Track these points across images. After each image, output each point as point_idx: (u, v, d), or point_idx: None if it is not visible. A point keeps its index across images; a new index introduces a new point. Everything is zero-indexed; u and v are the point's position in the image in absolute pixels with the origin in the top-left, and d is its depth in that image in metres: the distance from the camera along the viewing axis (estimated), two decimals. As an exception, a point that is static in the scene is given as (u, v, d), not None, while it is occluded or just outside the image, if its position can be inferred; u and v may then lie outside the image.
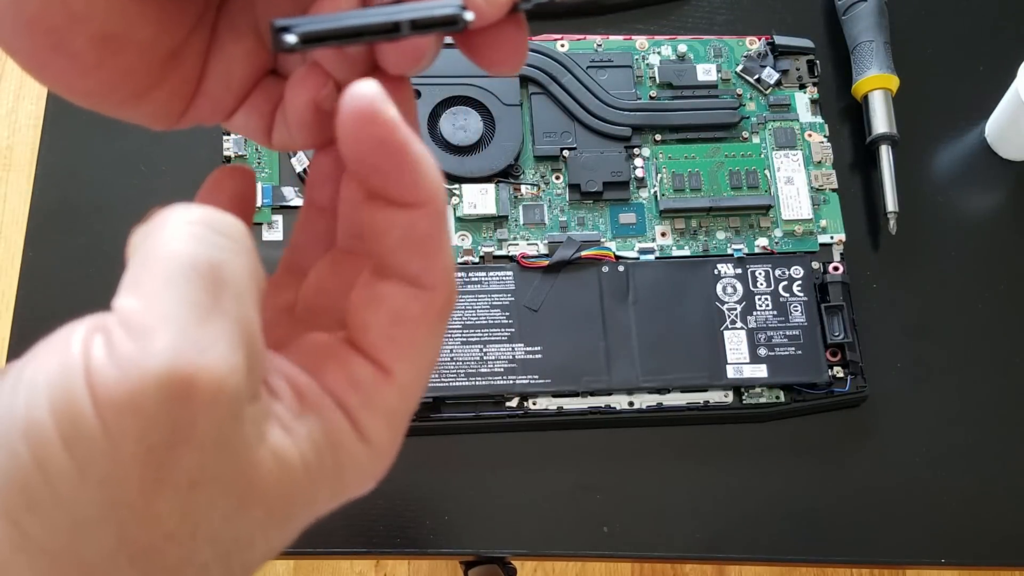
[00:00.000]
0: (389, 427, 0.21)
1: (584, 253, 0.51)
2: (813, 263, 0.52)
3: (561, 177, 0.54)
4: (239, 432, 0.18)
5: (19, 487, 0.17)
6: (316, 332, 0.22)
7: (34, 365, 0.18)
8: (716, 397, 0.50)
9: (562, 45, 0.56)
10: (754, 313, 0.51)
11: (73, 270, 0.52)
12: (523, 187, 0.53)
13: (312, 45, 0.21)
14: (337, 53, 0.22)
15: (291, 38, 0.21)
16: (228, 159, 0.52)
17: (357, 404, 0.21)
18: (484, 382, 0.49)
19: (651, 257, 0.52)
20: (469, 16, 0.21)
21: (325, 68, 0.23)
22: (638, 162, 0.54)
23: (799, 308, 0.51)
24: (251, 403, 0.19)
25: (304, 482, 0.20)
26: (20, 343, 0.51)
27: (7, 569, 0.18)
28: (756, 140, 0.55)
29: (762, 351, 0.50)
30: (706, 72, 0.56)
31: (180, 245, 0.18)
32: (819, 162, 0.55)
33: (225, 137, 0.53)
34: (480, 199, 0.52)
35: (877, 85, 0.55)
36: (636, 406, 0.50)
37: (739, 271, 0.52)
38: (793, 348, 0.50)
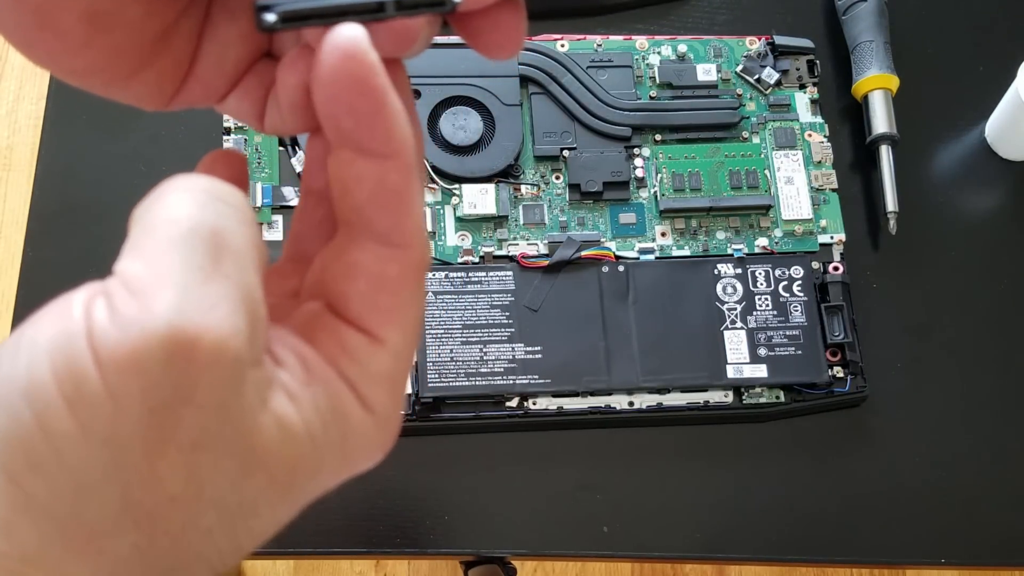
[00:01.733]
0: (389, 393, 0.21)
1: (584, 253, 0.51)
2: (813, 263, 0.52)
3: (561, 177, 0.54)
4: (241, 395, 0.18)
5: (22, 448, 0.17)
6: (310, 304, 0.22)
7: (34, 328, 0.18)
8: (716, 397, 0.50)
9: (562, 45, 0.56)
10: (754, 313, 0.51)
11: (73, 270, 0.52)
12: (523, 187, 0.53)
13: (293, 24, 0.21)
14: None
15: (271, 17, 0.21)
16: (228, 159, 0.52)
17: (356, 374, 0.21)
18: (484, 382, 0.49)
19: (651, 257, 0.52)
20: None
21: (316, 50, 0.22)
22: (638, 162, 0.54)
23: (799, 308, 0.51)
24: (253, 368, 0.18)
25: (308, 451, 0.19)
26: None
27: (10, 530, 0.18)
28: (756, 140, 0.55)
29: (762, 351, 0.50)
30: (706, 72, 0.56)
31: (182, 210, 0.19)
32: (819, 162, 0.55)
33: (225, 137, 0.53)
34: (480, 199, 0.52)
35: (877, 85, 0.55)
36: (636, 406, 0.50)
37: (739, 271, 0.52)
38: (793, 348, 0.50)
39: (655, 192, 0.54)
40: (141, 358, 0.17)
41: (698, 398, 0.50)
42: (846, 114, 0.57)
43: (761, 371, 0.50)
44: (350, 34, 0.19)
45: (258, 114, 0.24)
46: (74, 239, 0.53)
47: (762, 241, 0.53)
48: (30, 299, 0.51)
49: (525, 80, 0.55)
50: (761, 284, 0.51)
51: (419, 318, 0.22)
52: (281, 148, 0.53)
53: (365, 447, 0.21)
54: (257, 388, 0.19)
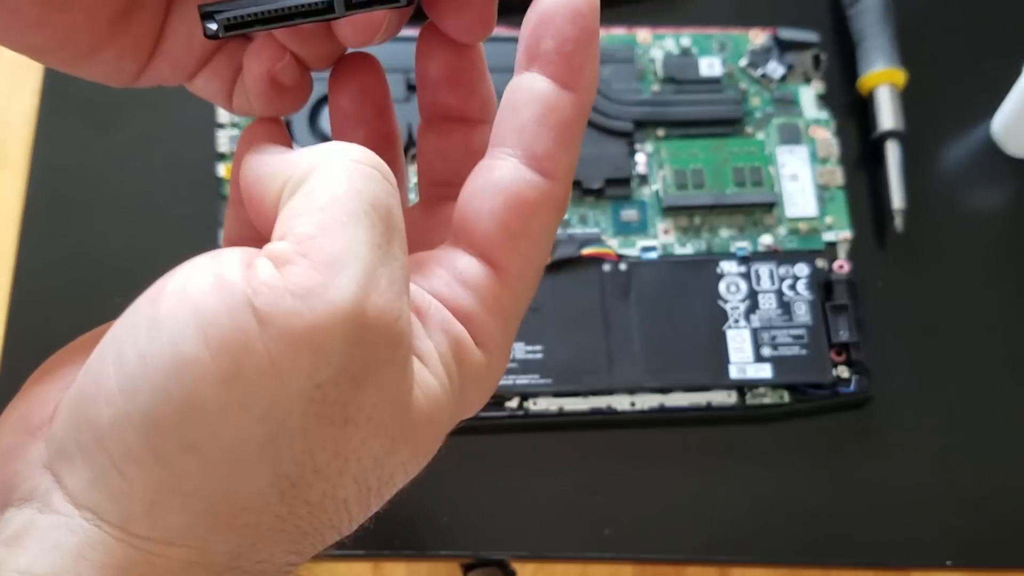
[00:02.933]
0: (503, 329, 0.20)
1: (585, 251, 0.50)
2: (818, 261, 0.51)
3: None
4: (400, 374, 0.18)
5: (172, 428, 0.16)
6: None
7: (170, 302, 0.17)
8: (719, 398, 0.49)
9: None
10: (758, 312, 0.50)
11: (67, 267, 0.51)
12: (523, 183, 0.52)
13: (238, 31, 0.20)
14: (292, 28, 0.21)
15: (213, 25, 0.20)
16: (223, 155, 0.52)
17: (469, 303, 0.20)
18: (483, 382, 0.48)
19: (653, 255, 0.52)
20: None
21: (281, 41, 0.22)
22: (640, 158, 0.53)
23: (804, 307, 0.50)
24: (411, 354, 0.18)
25: (444, 408, 0.19)
26: (15, 341, 0.50)
27: (155, 512, 0.17)
28: (761, 136, 0.54)
29: (766, 350, 0.49)
30: (710, 66, 0.55)
31: (359, 184, 0.18)
32: (825, 158, 0.54)
33: (219, 131, 0.52)
34: (480, 196, 0.51)
35: (883, 80, 0.54)
36: (638, 407, 0.49)
37: (743, 269, 0.51)
38: (798, 347, 0.49)
39: (657, 189, 0.53)
40: (319, 333, 0.16)
41: (701, 400, 0.49)
42: (852, 109, 0.56)
43: (765, 371, 0.49)
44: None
45: (227, 94, 0.24)
46: (68, 235, 0.52)
47: (767, 239, 0.52)
48: (24, 297, 0.51)
49: (525, 75, 0.54)
50: (765, 282, 0.51)
51: (541, 261, 0.21)
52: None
53: (477, 389, 0.20)
54: (410, 370, 0.18)
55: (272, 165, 0.19)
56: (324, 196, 0.18)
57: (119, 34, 0.22)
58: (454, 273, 0.20)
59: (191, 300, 0.17)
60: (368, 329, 0.17)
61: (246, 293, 0.16)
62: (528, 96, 0.20)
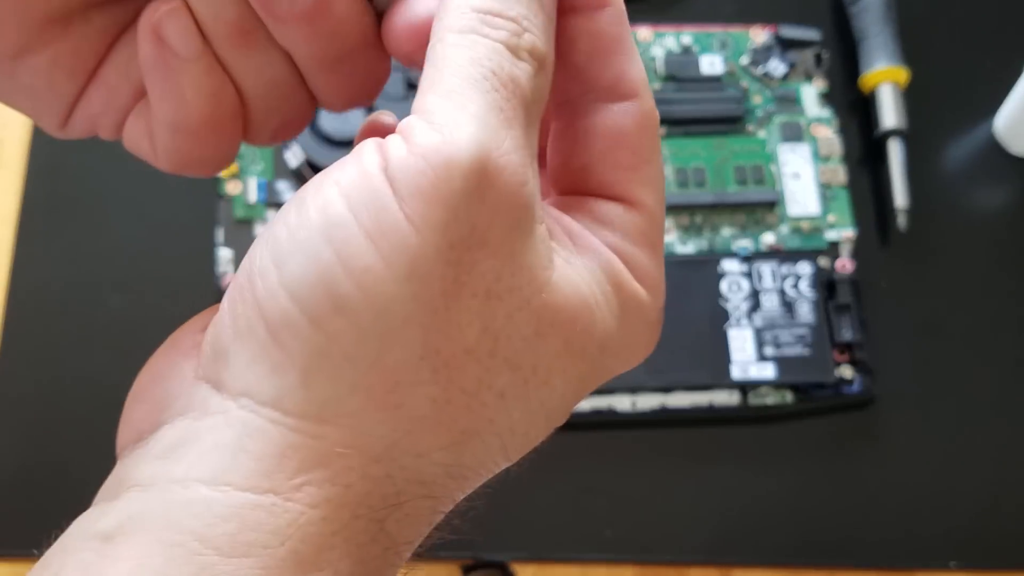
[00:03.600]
0: (654, 259, 0.20)
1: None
2: (821, 260, 0.51)
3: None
4: (532, 245, 0.18)
5: (324, 289, 0.17)
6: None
7: (312, 185, 0.18)
8: (721, 398, 0.49)
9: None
10: (760, 311, 0.50)
11: (65, 266, 0.51)
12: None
13: None
14: None
15: None
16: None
17: (618, 241, 0.20)
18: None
19: (655, 254, 0.51)
20: None
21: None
22: (641, 157, 0.53)
23: (806, 306, 0.50)
24: (538, 224, 0.18)
25: (595, 317, 0.19)
26: (12, 341, 0.50)
27: (310, 380, 0.17)
28: (762, 134, 0.54)
29: (768, 350, 0.49)
30: (711, 64, 0.55)
31: (480, 52, 0.18)
32: (827, 156, 0.53)
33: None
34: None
35: (885, 78, 0.54)
36: (639, 407, 0.49)
37: (744, 268, 0.50)
38: (800, 347, 0.49)
39: (659, 187, 0.52)
40: (442, 187, 0.17)
41: (703, 400, 0.49)
42: (855, 107, 0.56)
43: (767, 370, 0.49)
44: None
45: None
46: (65, 235, 0.52)
47: (769, 238, 0.52)
48: (21, 297, 0.51)
49: (526, 73, 0.53)
50: (767, 282, 0.50)
51: (662, 178, 0.21)
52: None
53: (644, 321, 0.20)
54: (544, 244, 0.18)
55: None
56: (442, 67, 0.18)
57: (55, 39, 0.20)
58: (593, 216, 0.20)
59: (332, 177, 0.18)
60: (491, 186, 0.17)
61: (378, 161, 0.17)
62: (569, 39, 0.20)
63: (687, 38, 0.55)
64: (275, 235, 0.18)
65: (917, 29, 0.57)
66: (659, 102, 0.53)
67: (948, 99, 0.56)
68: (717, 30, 0.56)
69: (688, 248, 0.51)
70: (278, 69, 0.21)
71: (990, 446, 0.50)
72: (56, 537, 0.19)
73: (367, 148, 0.18)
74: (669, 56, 0.55)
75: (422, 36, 0.19)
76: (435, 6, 0.19)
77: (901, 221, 0.52)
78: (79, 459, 0.48)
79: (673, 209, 0.52)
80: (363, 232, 0.17)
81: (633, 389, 0.49)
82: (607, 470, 0.49)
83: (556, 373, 0.19)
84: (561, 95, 0.21)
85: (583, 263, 0.19)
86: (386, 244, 0.17)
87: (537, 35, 0.19)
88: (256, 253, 0.18)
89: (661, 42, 0.55)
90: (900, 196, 0.52)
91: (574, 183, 0.21)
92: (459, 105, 0.17)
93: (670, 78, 0.54)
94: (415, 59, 0.20)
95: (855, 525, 0.48)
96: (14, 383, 0.49)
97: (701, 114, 0.53)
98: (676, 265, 0.51)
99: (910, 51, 0.55)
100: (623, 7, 0.20)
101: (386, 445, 0.18)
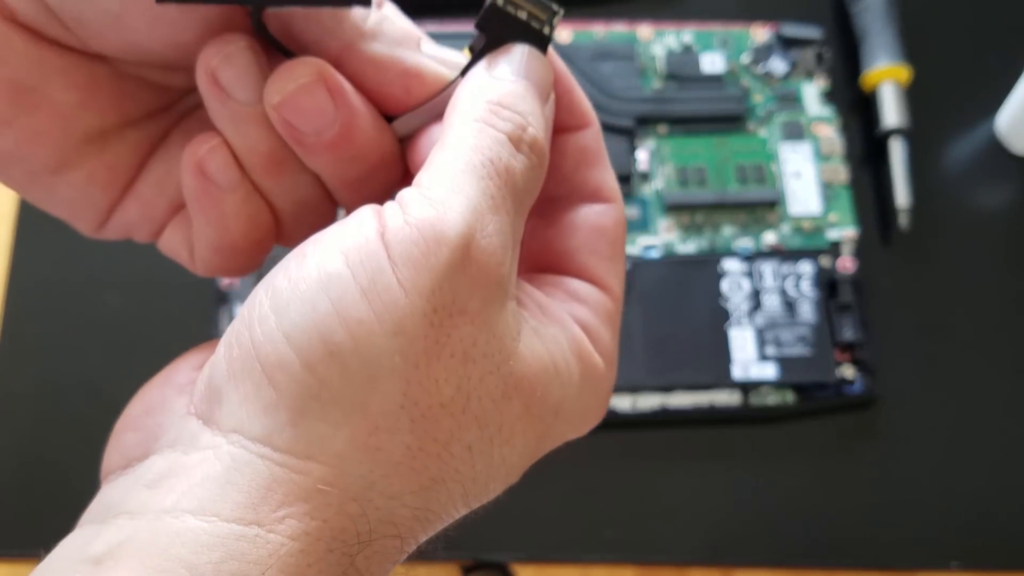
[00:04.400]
0: (613, 339, 0.23)
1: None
2: (822, 259, 0.51)
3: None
4: (504, 318, 0.20)
5: (320, 336, 0.18)
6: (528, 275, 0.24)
7: (318, 238, 0.20)
8: (722, 398, 0.49)
9: (563, 35, 0.55)
10: (761, 311, 0.50)
11: (63, 265, 0.51)
12: (524, 181, 0.52)
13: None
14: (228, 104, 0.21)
15: None
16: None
17: (586, 317, 0.22)
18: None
19: (655, 253, 0.51)
20: None
21: (217, 126, 0.22)
22: (642, 155, 0.53)
23: (808, 306, 0.50)
24: (510, 300, 0.20)
25: (556, 385, 0.21)
26: (10, 341, 0.50)
27: (299, 420, 0.18)
28: (763, 133, 0.54)
29: (769, 350, 0.49)
30: (712, 63, 0.54)
31: (484, 142, 0.20)
32: (828, 155, 0.53)
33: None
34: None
35: (887, 77, 0.54)
36: (639, 407, 0.48)
37: (745, 268, 0.50)
38: (802, 347, 0.49)
39: (659, 187, 0.52)
40: (432, 258, 0.19)
41: (704, 400, 0.49)
42: (856, 106, 0.55)
43: (768, 370, 0.48)
44: (551, 56, 0.22)
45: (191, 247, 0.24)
46: (63, 234, 0.51)
47: (770, 237, 0.52)
48: (19, 296, 0.50)
49: (526, 71, 0.53)
50: (768, 281, 0.50)
51: (624, 272, 0.24)
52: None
53: (597, 392, 0.22)
54: (514, 318, 0.20)
55: (427, 64, 0.22)
56: (448, 149, 0.20)
57: (91, 155, 0.22)
58: (571, 293, 0.23)
59: (332, 237, 0.19)
60: (472, 262, 0.19)
61: (376, 227, 0.19)
62: (559, 153, 0.23)
63: (688, 36, 0.55)
64: (276, 286, 0.19)
65: (919, 27, 0.56)
66: (660, 101, 0.53)
67: (950, 98, 0.56)
68: (718, 28, 0.55)
69: (689, 247, 0.51)
70: (308, 189, 0.23)
71: (991, 446, 0.50)
72: (43, 557, 0.19)
73: (366, 214, 0.20)
74: (670, 54, 0.54)
75: None
76: None
77: (903, 220, 0.52)
78: (78, 459, 0.48)
79: (674, 208, 0.52)
80: (359, 288, 0.18)
81: (633, 389, 0.48)
82: (607, 470, 0.49)
83: (518, 433, 0.20)
84: (548, 194, 0.23)
85: (552, 333, 0.21)
86: (379, 302, 0.18)
87: (539, 132, 0.21)
88: (256, 302, 0.19)
89: (662, 40, 0.55)
90: (902, 195, 0.52)
91: (552, 263, 0.23)
92: (455, 187, 0.19)
93: (671, 77, 0.54)
94: None
95: (856, 525, 0.48)
96: (13, 383, 0.49)
97: (702, 113, 0.53)
98: (676, 265, 0.50)
99: (912, 49, 0.55)
100: (599, 127, 0.24)
101: (363, 485, 0.19)
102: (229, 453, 0.19)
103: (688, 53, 0.55)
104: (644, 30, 0.55)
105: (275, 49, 0.21)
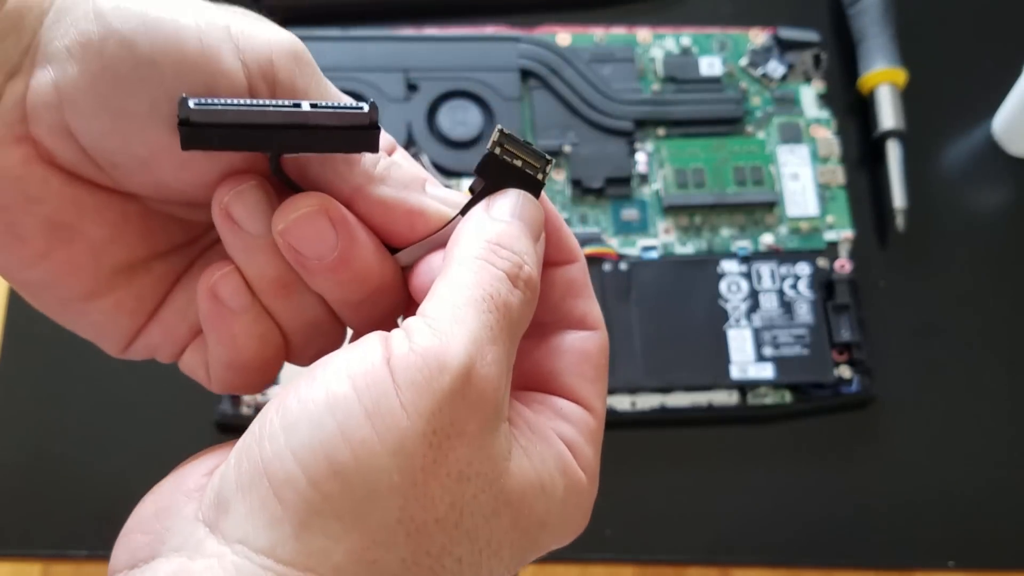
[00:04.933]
0: (597, 455, 0.25)
1: (585, 251, 0.50)
2: (819, 261, 0.51)
3: (562, 173, 0.53)
4: (498, 441, 0.21)
5: (325, 454, 0.20)
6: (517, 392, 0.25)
7: (322, 365, 0.21)
8: (720, 398, 0.49)
9: (563, 38, 0.55)
10: (759, 311, 0.50)
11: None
12: (523, 183, 0.52)
13: (210, 133, 0.21)
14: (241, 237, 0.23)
15: (189, 129, 0.21)
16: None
17: (574, 434, 0.24)
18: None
19: (654, 255, 0.51)
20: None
21: (230, 255, 0.24)
22: (640, 157, 0.53)
23: (805, 306, 0.50)
24: (503, 423, 0.22)
25: (541, 500, 0.22)
26: (13, 341, 0.50)
27: (303, 533, 0.20)
28: (761, 135, 0.54)
29: (767, 350, 0.49)
30: (710, 66, 0.55)
31: (484, 278, 0.22)
32: (826, 157, 0.54)
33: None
34: (479, 195, 0.51)
35: (884, 79, 0.54)
36: (638, 407, 0.49)
37: (744, 269, 0.51)
38: (799, 347, 0.49)
39: (658, 188, 0.53)
40: (434, 384, 0.20)
41: (702, 400, 0.49)
42: (853, 108, 0.56)
43: (766, 371, 0.49)
44: (544, 202, 0.24)
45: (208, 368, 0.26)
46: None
47: (768, 238, 0.52)
48: (22, 300, 0.50)
49: (525, 74, 0.54)
50: (766, 282, 0.50)
51: (606, 392, 0.26)
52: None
53: (579, 506, 0.24)
54: (505, 439, 0.22)
55: (430, 205, 0.24)
56: (452, 283, 0.22)
57: (120, 286, 0.24)
58: (557, 412, 0.24)
59: (341, 361, 0.21)
60: (472, 389, 0.20)
61: (383, 353, 0.21)
62: (548, 284, 0.25)
63: (686, 39, 0.55)
64: (286, 404, 0.21)
65: (916, 30, 0.57)
66: (658, 103, 0.53)
67: (946, 100, 0.56)
68: (716, 31, 0.56)
69: (687, 249, 0.51)
70: (314, 311, 0.25)
71: (988, 445, 0.50)
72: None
73: (374, 341, 0.21)
74: (668, 57, 0.55)
75: None
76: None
77: (899, 222, 0.52)
78: (78, 460, 0.48)
79: (673, 210, 0.52)
80: (363, 411, 0.20)
81: (633, 389, 0.49)
82: (607, 470, 0.48)
83: (505, 546, 0.22)
84: (537, 320, 0.24)
85: (540, 451, 0.23)
86: (381, 423, 0.20)
87: (533, 269, 0.23)
88: (267, 419, 0.21)
89: (660, 43, 0.55)
90: (898, 197, 0.52)
91: (540, 383, 0.25)
92: (458, 319, 0.21)
93: (669, 79, 0.54)
94: None
95: (854, 525, 0.48)
96: (15, 384, 0.49)
97: (700, 115, 0.53)
98: (675, 265, 0.51)
99: (909, 52, 0.55)
100: (584, 261, 0.26)
101: None
102: (233, 563, 0.20)
103: (686, 56, 0.55)
104: (643, 33, 0.55)
105: (292, 190, 0.23)
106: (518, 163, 0.24)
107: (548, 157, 0.25)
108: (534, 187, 0.24)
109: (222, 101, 0.21)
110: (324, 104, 0.22)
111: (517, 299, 0.22)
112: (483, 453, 0.21)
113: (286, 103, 0.22)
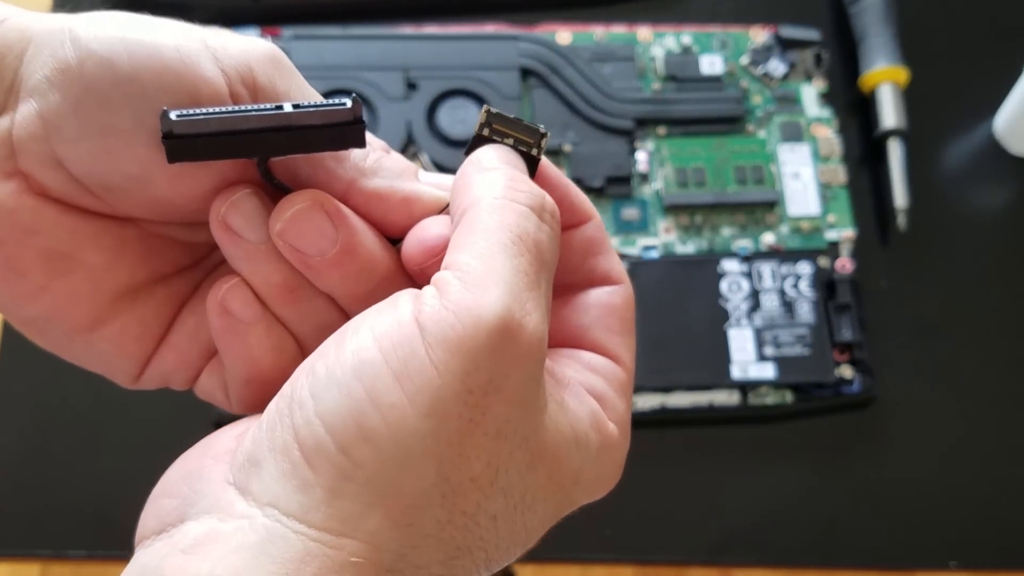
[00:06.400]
0: (628, 407, 0.24)
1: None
2: (820, 260, 0.51)
3: (562, 172, 0.52)
4: (537, 394, 0.21)
5: (354, 420, 0.19)
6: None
7: (350, 329, 0.20)
8: (721, 398, 0.49)
9: (563, 37, 0.55)
10: (760, 311, 0.50)
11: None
12: (523, 182, 0.52)
13: (195, 144, 0.21)
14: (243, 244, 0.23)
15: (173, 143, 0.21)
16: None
17: (602, 388, 0.23)
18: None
19: (654, 254, 0.51)
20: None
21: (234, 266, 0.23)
22: (641, 156, 0.53)
23: (806, 306, 0.50)
24: (543, 374, 0.21)
25: (575, 454, 0.22)
26: (12, 341, 0.50)
27: (334, 499, 0.19)
28: (762, 134, 0.54)
29: (768, 350, 0.49)
30: (711, 64, 0.55)
31: (509, 219, 0.21)
32: (827, 156, 0.53)
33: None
34: (479, 194, 0.51)
35: (885, 78, 0.54)
36: (639, 407, 0.49)
37: (744, 268, 0.50)
38: (800, 347, 0.49)
39: (658, 187, 0.52)
40: (468, 341, 0.19)
41: (703, 400, 0.49)
42: (854, 107, 0.56)
43: (767, 370, 0.49)
44: (531, 173, 0.24)
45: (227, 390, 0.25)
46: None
47: (768, 238, 0.52)
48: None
49: (525, 72, 0.53)
50: (767, 281, 0.50)
51: (634, 345, 0.25)
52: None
53: (613, 460, 0.23)
54: (543, 391, 0.21)
55: (425, 189, 0.24)
56: (476, 230, 0.21)
57: (123, 311, 0.23)
58: (587, 365, 0.24)
59: (369, 322, 0.20)
60: (512, 343, 0.20)
61: (412, 310, 0.20)
62: (567, 248, 0.24)
63: (687, 38, 0.55)
64: (315, 370, 0.20)
65: (917, 29, 0.57)
66: (659, 102, 0.53)
67: (948, 99, 0.56)
68: (717, 30, 0.56)
69: (688, 248, 0.51)
70: (325, 313, 0.24)
71: (989, 445, 0.50)
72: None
73: (404, 299, 0.21)
74: (669, 56, 0.55)
75: (434, 253, 0.23)
76: (443, 230, 0.23)
77: (901, 221, 0.52)
78: (78, 460, 0.48)
79: (673, 209, 0.52)
80: (391, 373, 0.19)
81: (633, 389, 0.48)
82: (607, 470, 0.49)
83: (539, 501, 0.21)
84: (561, 282, 0.24)
85: (573, 405, 0.22)
86: (411, 385, 0.19)
87: (551, 200, 0.22)
88: (297, 384, 0.21)
89: (661, 42, 0.55)
90: (900, 196, 0.52)
91: (568, 339, 0.25)
92: (490, 268, 0.20)
93: (670, 78, 0.54)
94: (429, 273, 0.23)
95: (855, 524, 0.48)
96: (14, 383, 0.49)
97: (701, 114, 0.53)
98: (676, 265, 0.51)
99: (910, 51, 0.55)
100: (599, 218, 0.26)
101: (394, 558, 0.20)
102: (264, 525, 0.19)
103: (687, 55, 0.55)
104: (643, 32, 0.55)
105: (283, 193, 0.23)
106: (509, 141, 0.24)
107: (542, 130, 0.24)
108: (530, 163, 0.24)
109: (204, 110, 0.21)
110: (306, 104, 0.22)
111: (546, 235, 0.22)
112: (522, 409, 0.20)
113: (268, 107, 0.22)
